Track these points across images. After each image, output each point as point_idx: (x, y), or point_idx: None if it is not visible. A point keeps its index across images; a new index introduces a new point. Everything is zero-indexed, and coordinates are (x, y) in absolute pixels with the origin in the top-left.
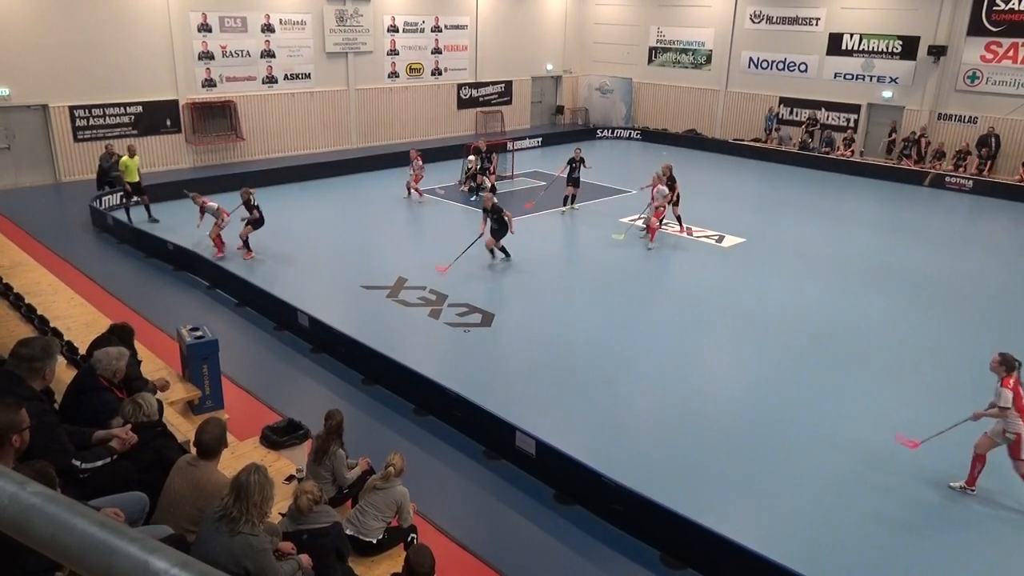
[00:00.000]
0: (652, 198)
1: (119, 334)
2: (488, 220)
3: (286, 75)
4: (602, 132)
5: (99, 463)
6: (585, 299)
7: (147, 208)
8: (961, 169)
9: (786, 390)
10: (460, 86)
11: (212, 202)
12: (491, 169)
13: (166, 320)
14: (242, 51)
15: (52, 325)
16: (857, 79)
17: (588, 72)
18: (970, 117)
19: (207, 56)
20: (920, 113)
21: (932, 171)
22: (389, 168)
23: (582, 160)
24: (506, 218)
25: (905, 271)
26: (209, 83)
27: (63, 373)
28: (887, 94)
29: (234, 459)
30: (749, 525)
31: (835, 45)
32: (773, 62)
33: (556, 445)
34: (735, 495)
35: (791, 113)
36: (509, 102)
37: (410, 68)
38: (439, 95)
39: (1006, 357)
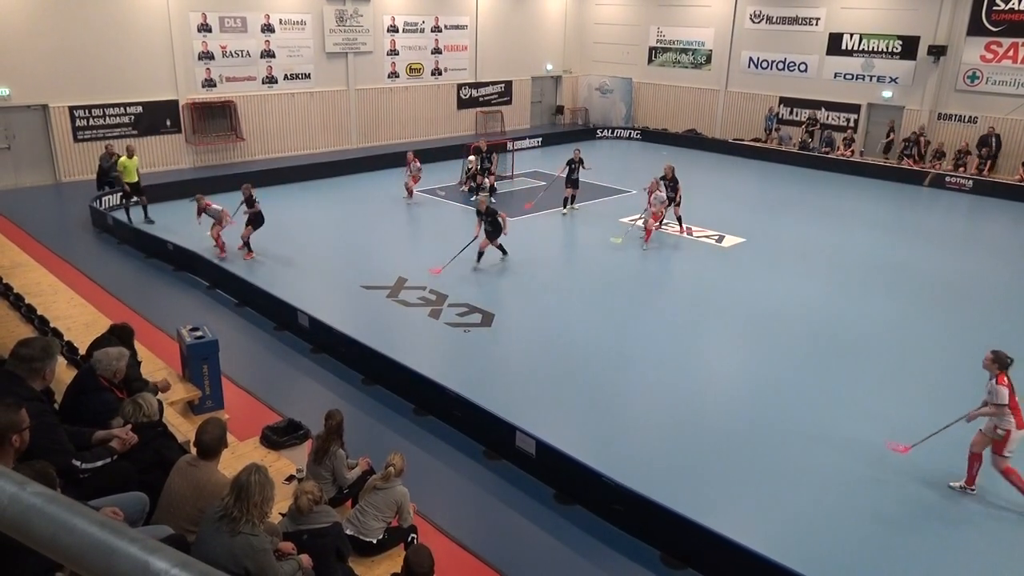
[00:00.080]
0: (649, 203)
1: (119, 334)
2: (482, 222)
3: (286, 75)
4: (602, 132)
5: (99, 463)
6: (585, 299)
7: (144, 209)
8: (961, 169)
9: (786, 390)
10: (460, 86)
11: (216, 204)
12: (491, 169)
13: (166, 320)
14: (242, 51)
15: (52, 325)
16: (857, 79)
17: (588, 72)
18: (970, 117)
19: (207, 56)
20: (920, 113)
21: (932, 171)
22: (389, 168)
23: (581, 161)
24: (500, 220)
25: (905, 271)
26: (209, 83)
27: (63, 373)
28: (887, 94)
29: (234, 459)
30: (749, 525)
31: (835, 45)
32: (773, 62)
33: (556, 445)
34: (735, 495)
35: (791, 113)
36: (509, 102)
37: (410, 68)
38: (439, 95)
39: (999, 354)
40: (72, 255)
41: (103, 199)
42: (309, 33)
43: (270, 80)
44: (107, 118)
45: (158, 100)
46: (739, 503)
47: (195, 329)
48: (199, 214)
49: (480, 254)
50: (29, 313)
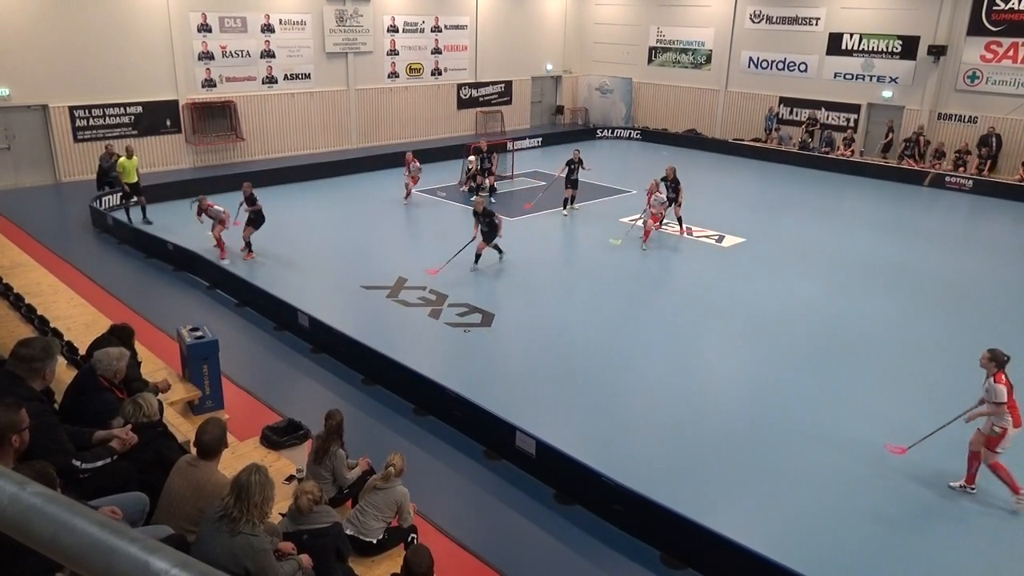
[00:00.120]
0: (648, 204)
1: (119, 334)
2: (479, 224)
3: (286, 75)
4: (602, 132)
5: (99, 463)
6: (585, 299)
7: (143, 209)
8: (961, 169)
9: (786, 390)
10: (460, 86)
11: (218, 206)
12: (491, 169)
13: (166, 320)
14: (242, 51)
15: (52, 325)
16: (857, 79)
17: (588, 72)
18: (970, 117)
19: (207, 56)
20: (920, 113)
21: (932, 171)
22: (389, 168)
23: (580, 162)
24: (497, 222)
25: (905, 271)
26: (209, 83)
27: (63, 373)
28: (887, 94)
29: (234, 459)
30: (749, 525)
31: (835, 45)
32: (773, 62)
33: (556, 445)
34: (735, 495)
35: (791, 113)
36: (509, 102)
37: (410, 68)
38: (439, 95)
39: (996, 353)
40: (72, 255)
41: (103, 199)
42: (309, 33)
43: (270, 80)
44: (107, 118)
45: (158, 100)
46: (739, 503)
47: (195, 329)
48: (199, 214)
49: (478, 256)
50: (29, 313)
